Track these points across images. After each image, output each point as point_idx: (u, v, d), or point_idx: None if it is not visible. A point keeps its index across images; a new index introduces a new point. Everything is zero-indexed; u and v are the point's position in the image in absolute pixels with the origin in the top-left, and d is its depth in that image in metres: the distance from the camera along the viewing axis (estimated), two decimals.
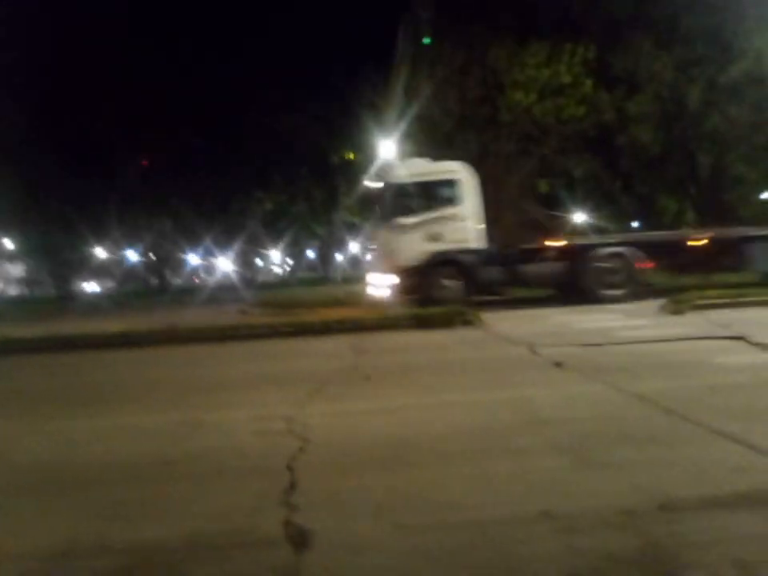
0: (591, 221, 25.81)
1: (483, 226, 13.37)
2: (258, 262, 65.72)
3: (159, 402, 5.46)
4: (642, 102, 21.62)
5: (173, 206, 34.99)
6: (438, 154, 14.85)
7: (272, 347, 8.89)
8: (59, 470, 3.63)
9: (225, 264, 50.82)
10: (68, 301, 34.56)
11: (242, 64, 50.27)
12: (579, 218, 26.26)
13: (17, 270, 64.11)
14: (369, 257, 16.10)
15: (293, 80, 43.57)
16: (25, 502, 3.12)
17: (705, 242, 12.94)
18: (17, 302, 42.02)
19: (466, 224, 12.97)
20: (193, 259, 53.20)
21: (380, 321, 9.76)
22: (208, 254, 49.10)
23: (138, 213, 35.31)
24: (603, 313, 10.50)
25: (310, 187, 34.89)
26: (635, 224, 28.34)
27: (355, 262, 45.98)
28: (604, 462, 3.16)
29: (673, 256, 12.97)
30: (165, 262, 45.88)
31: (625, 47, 20.68)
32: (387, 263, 13.09)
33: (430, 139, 20.87)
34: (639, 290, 12.38)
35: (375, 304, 12.98)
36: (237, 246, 40.96)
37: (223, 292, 30.06)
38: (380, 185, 13.60)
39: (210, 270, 56.83)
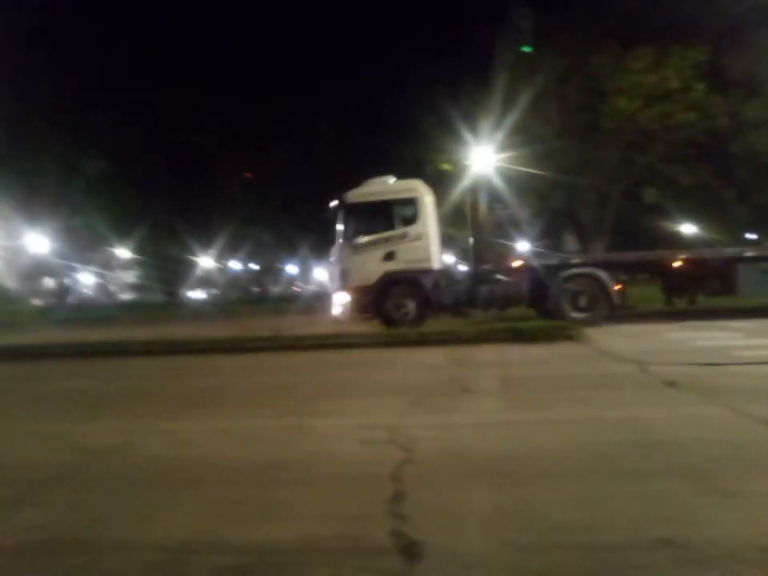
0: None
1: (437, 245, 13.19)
2: None
3: (265, 406, 5.66)
4: (759, 107, 20.31)
5: (272, 216, 36.37)
6: (536, 164, 14.62)
7: (369, 356, 9.01)
8: (177, 468, 3.83)
9: (321, 273, 52.12)
10: (175, 307, 36.65)
11: (340, 80, 51.68)
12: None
13: (129, 276, 68.81)
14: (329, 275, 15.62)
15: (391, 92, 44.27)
16: (149, 496, 3.31)
17: (684, 263, 12.49)
18: (129, 307, 45.10)
19: (422, 243, 12.65)
20: (291, 268, 54.96)
21: (477, 333, 9.67)
22: (306, 263, 50.50)
23: (240, 223, 36.88)
24: (721, 330, 9.91)
25: None
26: (752, 235, 26.62)
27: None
28: (731, 490, 2.96)
29: (655, 277, 12.90)
30: (265, 271, 47.59)
31: (742, 49, 19.50)
32: (343, 282, 12.85)
33: (529, 149, 20.56)
34: (615, 312, 12.01)
35: (335, 322, 12.80)
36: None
37: (320, 301, 30.73)
38: (337, 204, 13.19)
39: (307, 278, 58.36)
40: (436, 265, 12.88)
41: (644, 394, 5.32)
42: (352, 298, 12.62)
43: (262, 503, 3.14)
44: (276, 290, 58.95)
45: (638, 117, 21.25)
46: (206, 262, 44.27)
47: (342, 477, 3.49)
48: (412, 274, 12.53)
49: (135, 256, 39.04)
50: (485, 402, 5.37)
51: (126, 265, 51.14)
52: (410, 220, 12.79)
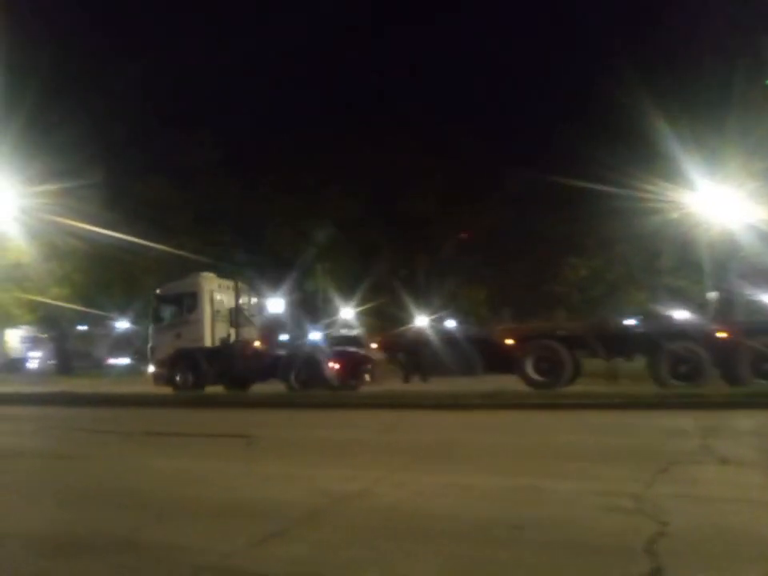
0: None
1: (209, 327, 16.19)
2: None
3: (494, 465, 5.53)
4: None
5: (486, 276, 36.59)
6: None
7: (601, 418, 8.46)
8: (414, 519, 3.85)
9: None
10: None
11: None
12: None
13: (353, 333, 73.59)
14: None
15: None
16: (392, 545, 3.35)
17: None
18: None
19: (198, 327, 16.11)
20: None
21: (729, 397, 8.55)
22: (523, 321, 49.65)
23: (454, 283, 37.67)
24: None
25: (625, 250, 33.21)
26: None
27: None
28: None
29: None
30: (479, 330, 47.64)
31: None
32: (152, 356, 17.08)
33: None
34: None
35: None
36: (548, 314, 40.77)
37: None
38: (152, 294, 17.97)
39: None
40: (208, 344, 16.11)
41: None
42: (157, 369, 16.61)
43: (501, 563, 3.02)
44: None
45: None
46: (421, 320, 45.74)
47: (586, 544, 3.23)
48: (193, 351, 15.90)
49: (358, 316, 41.68)
50: (747, 475, 4.66)
51: (348, 324, 54.94)
52: (192, 308, 16.40)
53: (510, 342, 12.93)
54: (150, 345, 17.48)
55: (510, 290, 37.06)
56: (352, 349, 17.02)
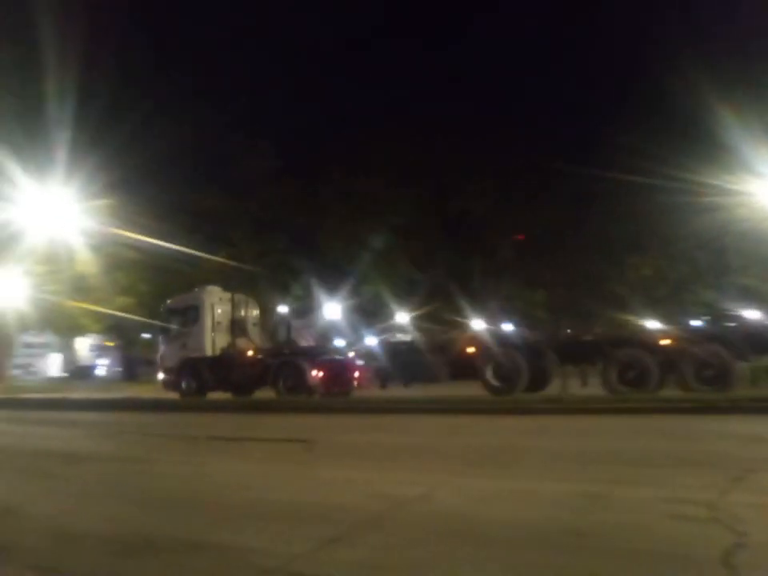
0: None
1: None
2: None
3: (558, 470, 5.40)
4: None
5: (544, 280, 35.90)
6: None
7: (671, 423, 8.16)
8: (475, 524, 3.79)
9: None
10: None
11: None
12: None
13: (406, 338, 73.54)
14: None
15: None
16: (454, 549, 3.31)
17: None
18: None
19: (201, 337, 17.52)
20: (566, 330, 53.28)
21: None
22: (583, 325, 48.58)
23: (512, 286, 37.12)
24: None
25: (691, 249, 32.02)
26: None
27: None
28: None
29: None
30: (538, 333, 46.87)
31: None
32: (161, 364, 18.58)
33: None
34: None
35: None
36: (610, 316, 39.70)
37: None
38: (163, 306, 19.64)
39: None
40: (209, 353, 17.41)
41: None
42: (165, 376, 18.21)
43: (565, 570, 2.93)
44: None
45: None
46: (478, 324, 45.30)
47: (657, 553, 3.11)
48: (193, 360, 17.37)
49: (413, 321, 41.58)
50: None
51: (404, 329, 54.94)
52: (195, 320, 17.86)
53: (471, 350, 13.59)
54: (159, 353, 19.14)
55: (568, 291, 36.28)
56: (339, 357, 17.24)
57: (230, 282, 31.85)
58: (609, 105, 40.64)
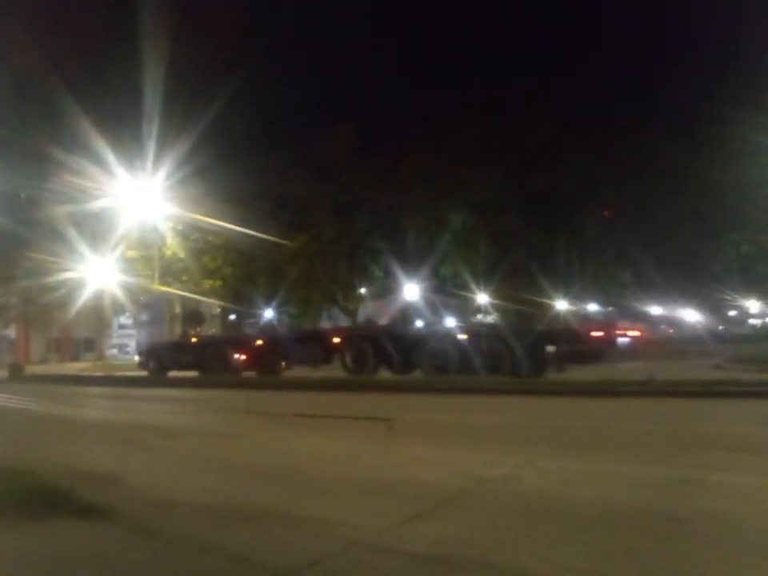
0: None
1: None
2: (732, 312, 59.12)
3: (648, 453, 5.19)
4: None
5: (633, 257, 34.50)
6: None
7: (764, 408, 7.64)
8: (561, 505, 3.70)
9: (691, 315, 47.31)
10: None
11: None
12: None
13: (488, 320, 72.87)
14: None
15: None
16: (539, 529, 3.25)
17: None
18: None
19: (161, 327, 20.51)
20: (656, 310, 51.17)
21: None
22: (673, 304, 46.54)
23: (598, 265, 35.91)
24: None
25: None
26: None
27: None
28: None
29: None
30: (626, 313, 45.29)
31: None
32: (137, 348, 21.08)
33: None
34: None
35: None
36: (705, 295, 37.84)
37: (690, 345, 27.85)
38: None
39: (675, 322, 53.58)
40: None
41: None
42: (139, 357, 22.72)
43: (663, 556, 2.81)
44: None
45: None
46: (562, 305, 44.21)
47: (755, 544, 2.92)
48: (156, 344, 22.93)
49: (493, 301, 41.05)
50: None
51: (484, 310, 54.35)
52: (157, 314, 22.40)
53: (337, 339, 16.85)
54: (135, 339, 24.12)
55: (659, 270, 34.72)
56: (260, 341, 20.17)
57: (311, 263, 32.65)
58: (705, 75, 38.21)
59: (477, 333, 14.85)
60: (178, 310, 25.04)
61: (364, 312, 38.39)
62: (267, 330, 25.99)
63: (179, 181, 25.18)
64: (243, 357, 18.77)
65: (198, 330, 22.92)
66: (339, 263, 34.34)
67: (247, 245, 30.59)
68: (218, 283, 31.91)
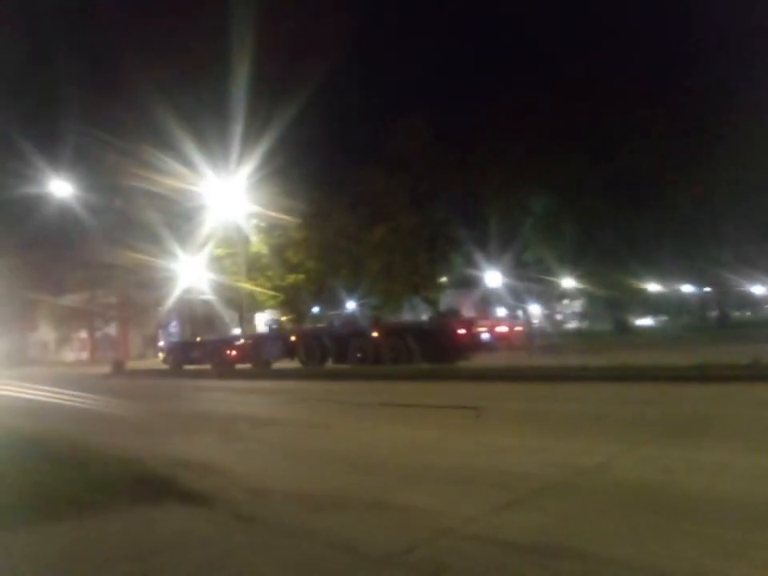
0: None
1: None
2: None
3: (753, 441, 4.89)
4: None
5: (730, 234, 32.49)
6: None
7: None
8: (663, 495, 3.55)
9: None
10: (622, 334, 35.89)
11: None
12: None
13: (574, 305, 71.08)
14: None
15: None
16: (639, 519, 3.13)
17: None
18: (575, 335, 46.60)
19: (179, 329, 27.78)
20: (758, 290, 48.06)
21: None
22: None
23: (692, 244, 34.07)
24: None
25: None
26: None
27: None
28: None
29: None
30: (724, 294, 42.89)
31: None
32: (160, 346, 28.15)
33: None
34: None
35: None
36: None
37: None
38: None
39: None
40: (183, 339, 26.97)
41: None
42: (162, 354, 27.78)
43: None
44: (738, 314, 52.29)
45: None
46: (653, 287, 42.37)
47: None
48: (174, 343, 27.04)
49: (580, 286, 39.87)
50: None
51: (570, 295, 52.90)
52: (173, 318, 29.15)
53: (293, 338, 20.67)
54: (159, 338, 29.03)
55: (756, 246, 32.58)
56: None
57: (391, 255, 32.78)
58: None
59: (388, 331, 17.82)
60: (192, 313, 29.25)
61: (445, 301, 38.18)
62: (348, 322, 26.83)
63: (260, 179, 25.89)
64: (233, 353, 22.66)
65: (209, 331, 27.53)
66: (419, 254, 34.26)
67: (328, 238, 31.16)
68: (302, 277, 32.64)
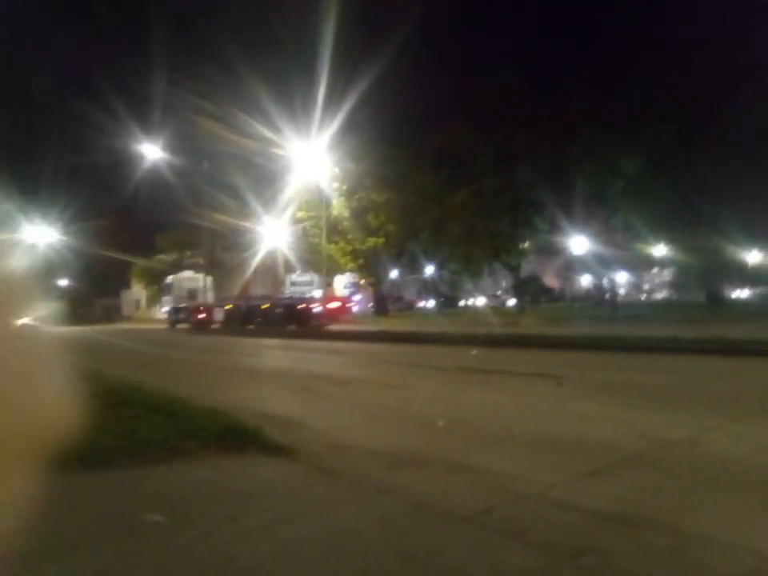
0: None
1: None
2: None
3: None
4: None
5: None
6: None
7: None
8: (752, 474, 3.38)
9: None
10: (716, 306, 33.99)
11: None
12: None
13: (665, 274, 67.96)
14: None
15: None
16: (726, 499, 3.00)
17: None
18: (664, 305, 44.67)
19: (175, 297, 35.97)
20: None
21: None
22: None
23: None
24: None
25: None
26: None
27: None
28: None
29: None
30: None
31: None
32: (164, 309, 38.03)
33: None
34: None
35: None
36: None
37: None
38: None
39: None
40: (177, 305, 34.19)
41: None
42: (166, 316, 37.87)
43: None
44: None
45: None
46: (753, 256, 39.84)
47: None
48: (173, 308, 34.51)
49: (671, 254, 37.97)
50: None
51: (661, 263, 50.53)
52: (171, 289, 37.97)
53: (228, 307, 28.83)
54: (164, 303, 39.08)
55: None
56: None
57: (472, 218, 32.26)
58: None
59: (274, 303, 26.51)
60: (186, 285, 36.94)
61: (527, 268, 37.35)
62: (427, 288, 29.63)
63: (342, 140, 25.98)
64: (203, 315, 29.71)
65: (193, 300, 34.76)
66: (501, 218, 33.52)
67: (409, 201, 30.97)
68: (381, 240, 32.76)
